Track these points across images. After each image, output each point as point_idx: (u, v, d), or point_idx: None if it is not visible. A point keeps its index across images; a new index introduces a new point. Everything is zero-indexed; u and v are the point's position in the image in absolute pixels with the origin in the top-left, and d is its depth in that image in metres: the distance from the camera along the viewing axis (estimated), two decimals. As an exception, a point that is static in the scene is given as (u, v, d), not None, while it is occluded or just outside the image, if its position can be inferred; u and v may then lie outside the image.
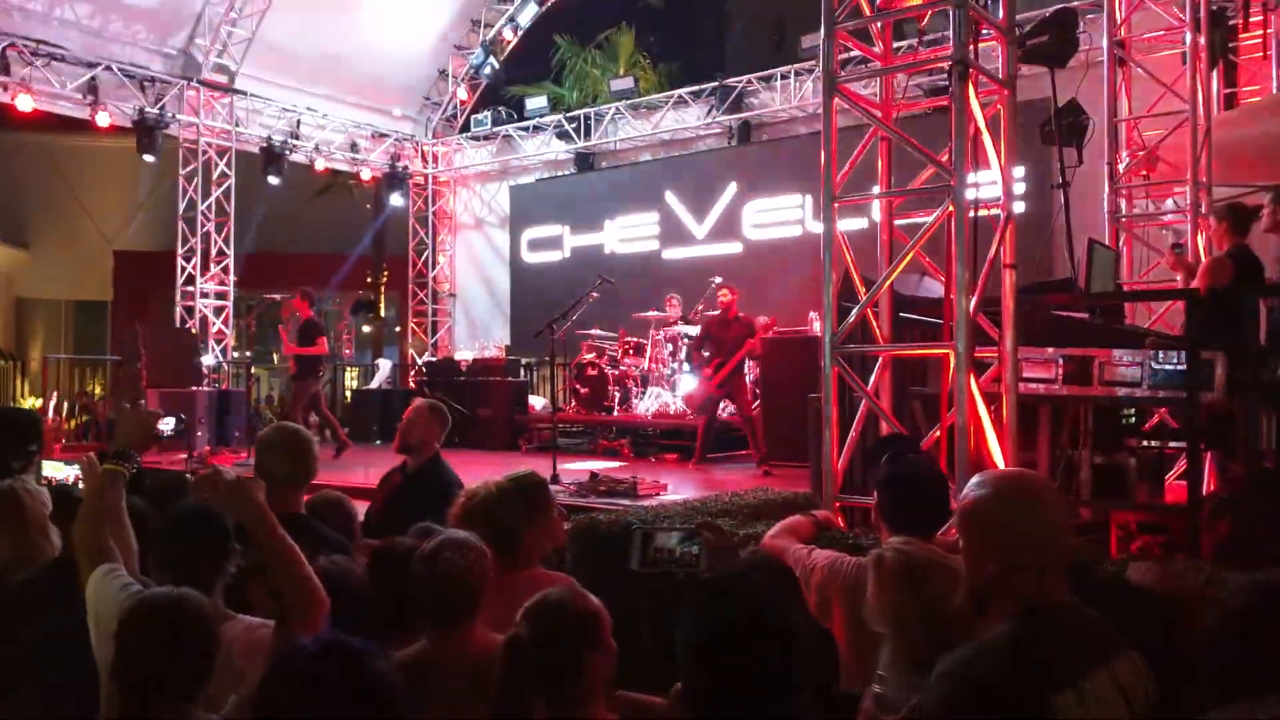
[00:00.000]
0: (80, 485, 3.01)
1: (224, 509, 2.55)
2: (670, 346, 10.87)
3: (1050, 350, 4.47)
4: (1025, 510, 2.01)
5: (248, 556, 2.55)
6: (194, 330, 12.93)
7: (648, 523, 3.67)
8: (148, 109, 12.32)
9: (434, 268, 16.17)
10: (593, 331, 11.46)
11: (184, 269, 13.27)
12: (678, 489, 7.51)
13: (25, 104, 11.40)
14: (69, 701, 2.46)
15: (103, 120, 12.14)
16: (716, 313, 9.45)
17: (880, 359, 4.29)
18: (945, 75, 5.94)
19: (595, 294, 9.72)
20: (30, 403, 16.09)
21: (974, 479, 2.13)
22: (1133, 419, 5.17)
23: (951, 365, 3.84)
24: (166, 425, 3.10)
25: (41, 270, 22.83)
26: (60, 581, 2.71)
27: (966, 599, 2.09)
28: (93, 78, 11.85)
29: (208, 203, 13.38)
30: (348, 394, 16.87)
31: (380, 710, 1.68)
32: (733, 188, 12.87)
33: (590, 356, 11.47)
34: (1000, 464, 4.03)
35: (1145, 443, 5.23)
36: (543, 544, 3.25)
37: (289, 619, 2.30)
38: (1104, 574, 3.25)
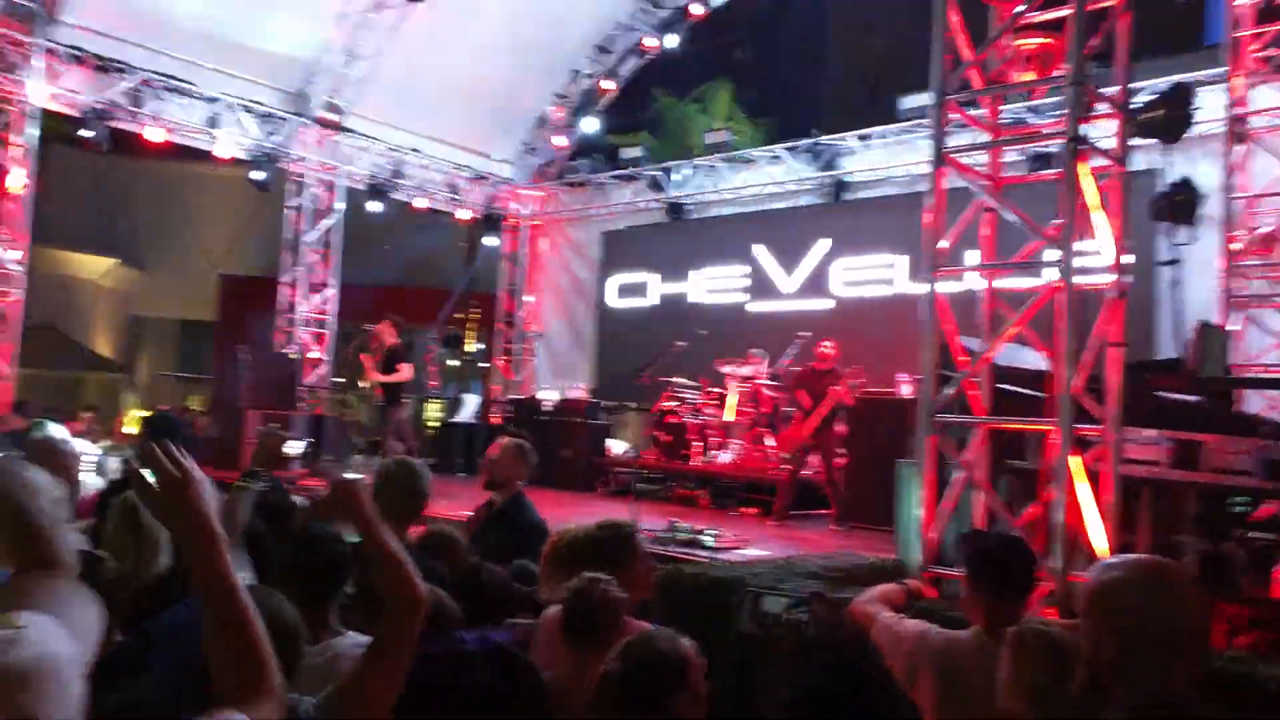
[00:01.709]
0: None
1: (332, 510, 2.54)
2: (753, 400, 10.86)
3: (1154, 432, 4.36)
4: (1157, 598, 1.94)
5: (360, 581, 2.63)
6: (293, 356, 13.36)
7: (758, 585, 3.66)
8: (262, 143, 12.88)
9: (521, 307, 16.46)
10: (675, 380, 11.50)
11: (286, 296, 13.77)
12: (757, 544, 7.46)
13: (155, 135, 12.05)
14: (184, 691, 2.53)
15: (221, 152, 12.74)
16: (815, 364, 9.54)
17: (978, 430, 4.24)
18: (1050, 145, 5.90)
19: (683, 344, 9.78)
20: (137, 415, 16.79)
21: (1106, 560, 2.09)
22: (1239, 508, 4.99)
23: (1053, 442, 3.78)
24: (295, 448, 3.23)
25: (154, 290, 23.88)
26: (177, 586, 2.81)
27: (1083, 681, 2.05)
28: (214, 112, 12.45)
29: (312, 233, 13.89)
30: (430, 425, 17.22)
31: (534, 713, 1.70)
32: (824, 244, 12.85)
33: (672, 404, 11.50)
34: (1100, 545, 3.94)
35: (1250, 534, 5.04)
36: (630, 593, 3.28)
37: (394, 619, 2.30)
38: (1211, 669, 3.15)
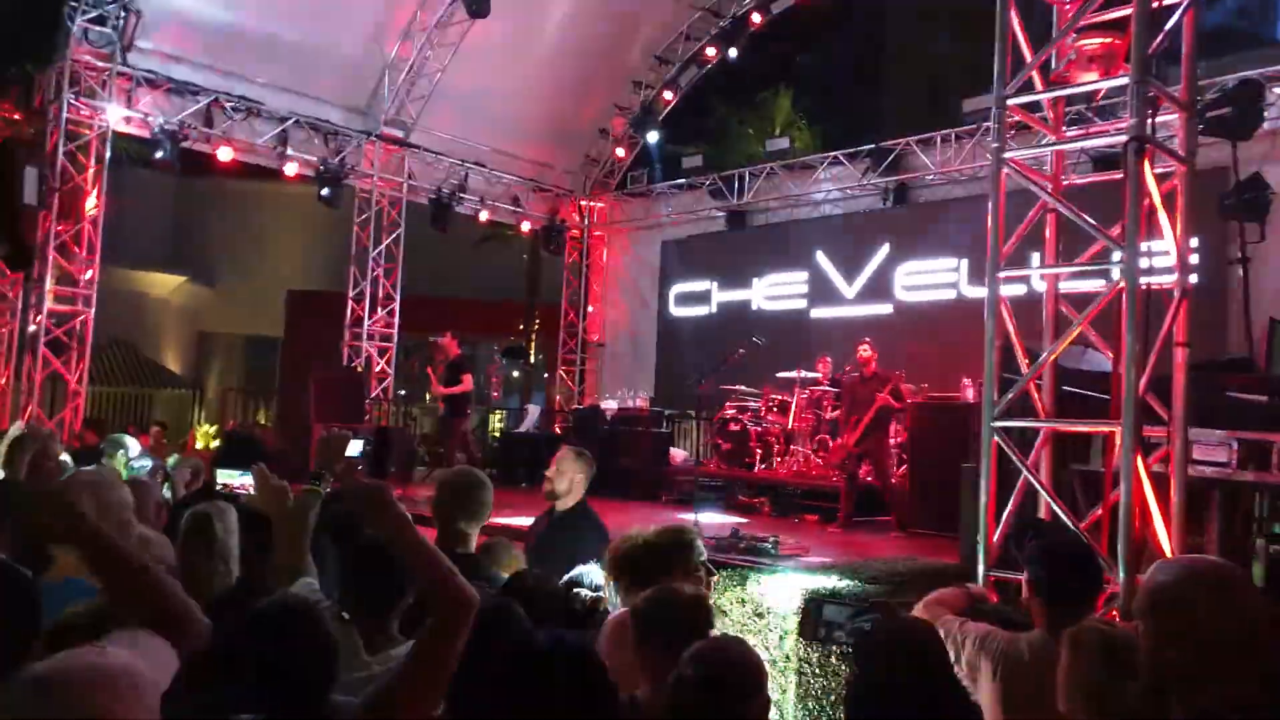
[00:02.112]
0: (252, 492, 3.17)
1: (360, 516, 2.51)
2: (815, 406, 10.82)
3: (1223, 432, 4.28)
4: (1214, 600, 1.93)
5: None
6: (359, 369, 13.66)
7: (820, 593, 3.67)
8: (330, 160, 13.21)
9: (584, 317, 16.60)
10: (737, 387, 11.51)
11: (353, 310, 14.10)
12: (819, 551, 7.42)
13: (225, 155, 12.46)
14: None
15: (290, 170, 13.11)
16: (855, 372, 9.44)
17: (1041, 433, 4.21)
18: (1113, 146, 5.81)
19: (744, 351, 9.77)
20: (207, 430, 17.29)
21: (1162, 562, 2.09)
22: (1312, 510, 4.86)
23: (1117, 444, 3.74)
24: (354, 448, 3.31)
25: (222, 306, 24.55)
26: (240, 605, 2.92)
27: (1144, 686, 2.03)
28: (283, 130, 12.82)
29: (379, 249, 14.21)
30: (494, 436, 17.42)
31: (605, 711, 1.75)
32: (885, 249, 12.77)
33: (733, 412, 11.51)
34: (1167, 548, 3.88)
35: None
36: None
37: (437, 617, 2.25)
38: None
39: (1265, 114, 6.35)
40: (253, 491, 2.99)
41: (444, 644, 2.15)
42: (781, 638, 3.73)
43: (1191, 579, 1.99)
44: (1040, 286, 7.88)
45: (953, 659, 3.12)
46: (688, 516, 7.29)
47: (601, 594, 3.47)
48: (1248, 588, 2.03)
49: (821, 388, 10.77)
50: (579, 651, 1.80)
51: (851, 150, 13.49)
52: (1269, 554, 4.48)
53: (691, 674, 2.24)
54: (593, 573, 3.76)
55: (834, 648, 2.91)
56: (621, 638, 2.98)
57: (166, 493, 5.55)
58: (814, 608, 2.89)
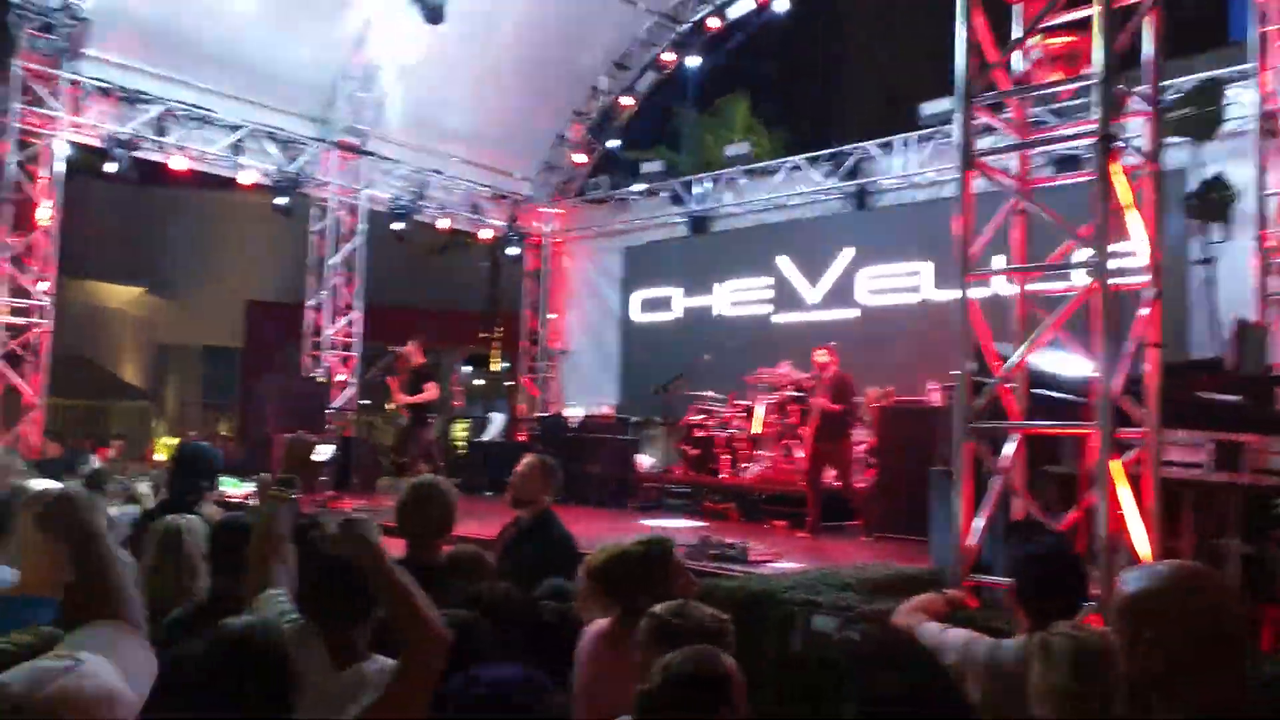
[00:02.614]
0: (252, 503, 3.13)
1: (340, 550, 2.51)
2: (780, 411, 10.79)
3: (1196, 434, 4.27)
4: (1193, 605, 1.91)
5: None
6: (319, 379, 13.43)
7: (806, 604, 3.60)
8: (285, 168, 12.99)
9: (545, 325, 16.48)
10: (702, 393, 11.46)
11: (312, 320, 13.86)
12: (789, 557, 7.38)
13: (180, 164, 12.20)
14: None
15: (245, 179, 12.87)
16: (814, 378, 9.47)
17: (1016, 436, 4.17)
18: (1075, 147, 5.83)
19: (709, 357, 9.70)
20: (167, 441, 16.93)
21: (1136, 569, 2.05)
22: (1280, 510, 4.88)
23: (1093, 445, 3.71)
24: (323, 453, 3.24)
25: (180, 317, 24.12)
26: (207, 621, 2.80)
27: (1127, 697, 1.99)
28: (238, 140, 12.58)
29: (336, 257, 13.99)
30: (457, 445, 17.21)
31: None
32: (848, 253, 12.79)
33: (699, 418, 11.45)
34: (1143, 550, 3.86)
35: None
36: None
37: (410, 656, 2.28)
38: (1261, 675, 3.07)
39: (1225, 114, 6.43)
40: (255, 503, 2.92)
41: (417, 682, 2.15)
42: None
43: (1164, 584, 1.97)
44: (1003, 289, 7.95)
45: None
46: (650, 523, 7.22)
47: (571, 605, 3.40)
48: (1222, 590, 2.01)
49: (787, 393, 10.75)
50: (524, 694, 1.74)
51: (811, 155, 13.52)
52: (1241, 555, 4.48)
53: (659, 685, 2.17)
54: (562, 584, 3.68)
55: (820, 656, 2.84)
56: (601, 648, 2.91)
57: (129, 507, 5.40)
58: (803, 619, 2.82)
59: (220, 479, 4.01)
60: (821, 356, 9.22)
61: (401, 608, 2.31)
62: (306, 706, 2.27)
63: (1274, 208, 7.57)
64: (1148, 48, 3.95)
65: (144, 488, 6.10)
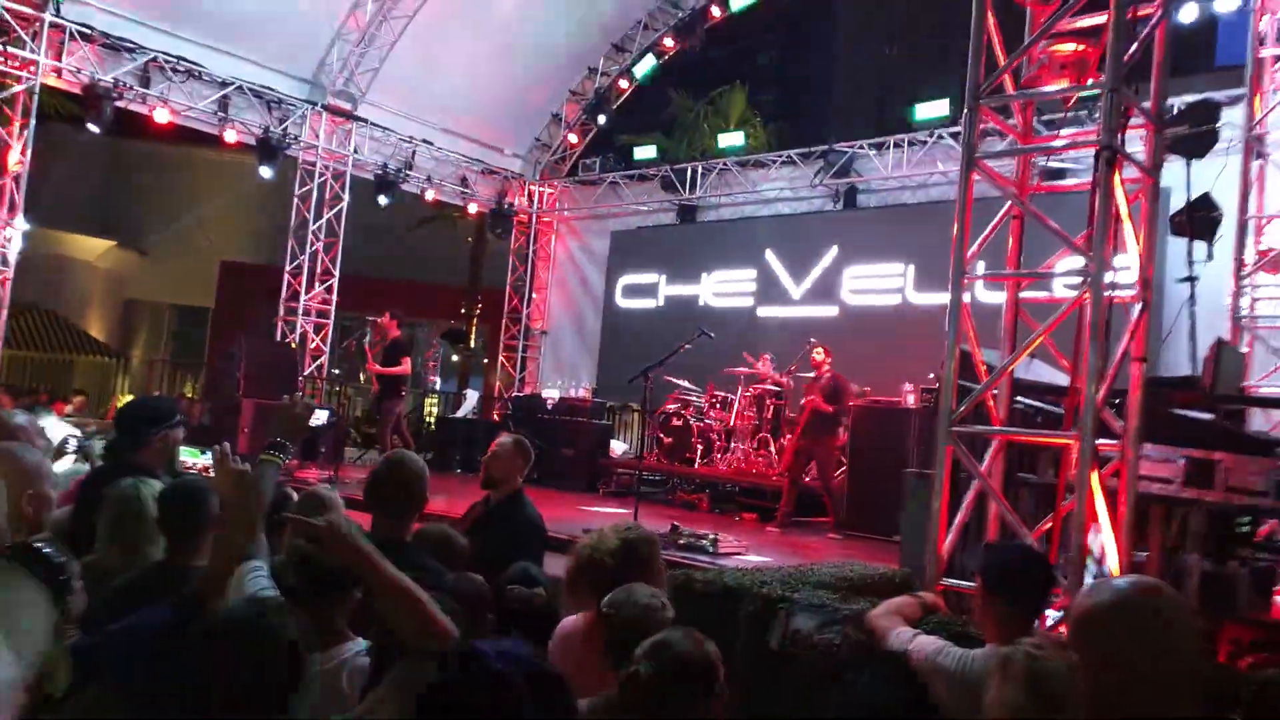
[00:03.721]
0: (210, 474, 3.01)
1: (328, 553, 2.38)
2: (757, 404, 10.80)
3: (1169, 449, 4.29)
4: (1146, 624, 1.92)
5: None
6: (293, 345, 13.27)
7: (788, 601, 3.56)
8: (273, 129, 12.78)
9: (528, 304, 16.39)
10: (681, 382, 11.43)
11: (290, 285, 13.68)
12: (757, 551, 7.39)
13: (162, 116, 11.97)
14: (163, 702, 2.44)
15: (230, 137, 12.65)
16: (810, 374, 9.57)
17: (994, 442, 4.17)
18: (1063, 158, 5.82)
19: (689, 345, 9.67)
20: (130, 399, 16.67)
21: (1092, 584, 2.05)
22: (1245, 528, 4.93)
23: (1073, 455, 3.71)
24: (319, 418, 3.14)
25: (151, 274, 23.78)
26: (161, 584, 2.72)
27: (1085, 710, 1.99)
28: (225, 95, 12.37)
29: (319, 223, 13.81)
30: (430, 420, 17.11)
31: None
32: (834, 251, 12.79)
33: (675, 407, 11.44)
34: (1114, 561, 3.87)
35: (1256, 555, 4.97)
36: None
37: (412, 655, 2.18)
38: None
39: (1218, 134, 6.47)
40: (211, 473, 2.82)
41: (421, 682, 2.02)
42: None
43: (1121, 602, 1.97)
44: (983, 296, 7.98)
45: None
46: (627, 510, 7.18)
47: (540, 591, 3.35)
48: (1179, 607, 2.01)
49: (764, 386, 10.76)
50: (542, 676, 1.69)
51: (804, 150, 13.50)
52: (1201, 570, 4.51)
53: (643, 671, 2.15)
54: (529, 568, 3.62)
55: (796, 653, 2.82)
56: (573, 644, 2.87)
57: (84, 465, 5.26)
58: (783, 617, 2.79)
59: (169, 425, 3.85)
60: (818, 355, 9.33)
61: (399, 607, 2.18)
62: None
63: (1253, 230, 7.64)
64: (1155, 60, 3.94)
65: (99, 447, 5.97)
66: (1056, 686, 2.37)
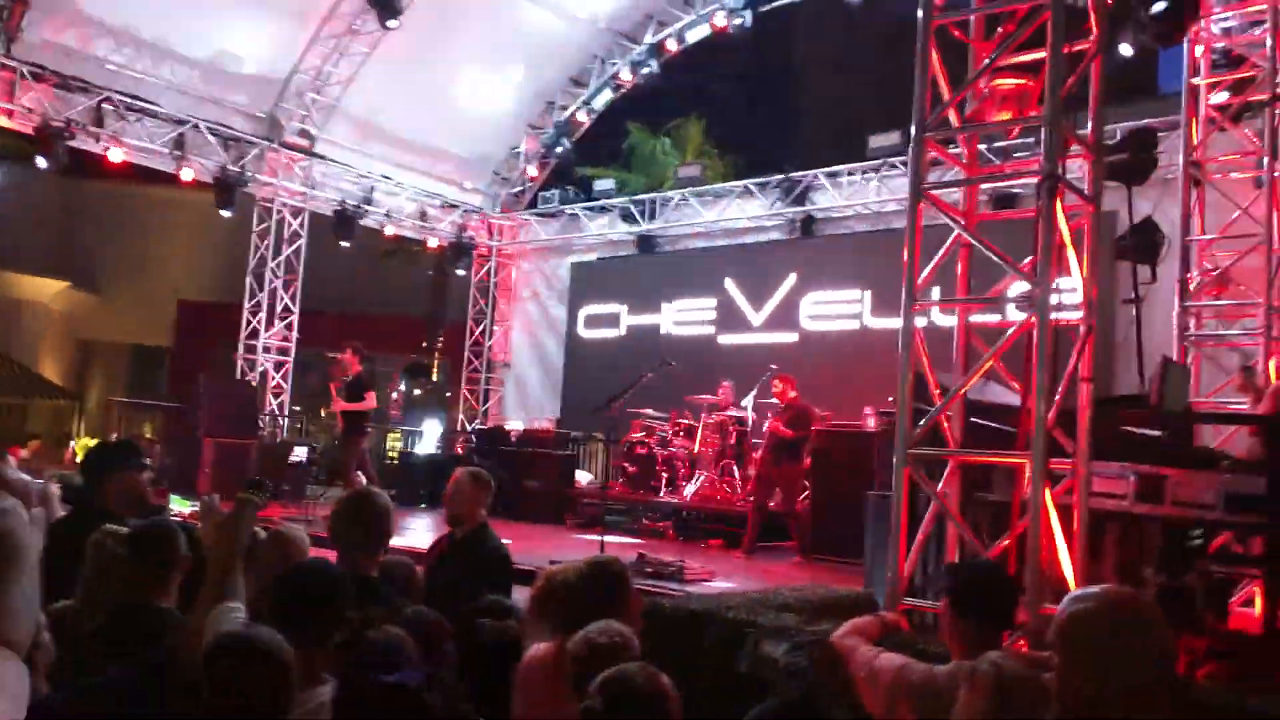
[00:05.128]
0: (199, 525, 3.01)
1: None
2: (720, 432, 10.87)
3: (1119, 466, 4.42)
4: (1128, 630, 1.97)
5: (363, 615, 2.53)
6: (254, 383, 13.16)
7: (756, 626, 3.59)
8: (230, 167, 12.73)
9: (490, 337, 16.38)
10: (644, 411, 11.48)
11: (249, 323, 13.59)
12: (724, 577, 7.44)
13: (116, 156, 11.89)
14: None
15: (187, 175, 12.56)
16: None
17: (950, 463, 4.27)
18: (1013, 185, 5.97)
19: (652, 374, 9.74)
20: (86, 443, 16.38)
21: (1073, 593, 2.11)
22: (1198, 541, 5.06)
23: (1026, 475, 3.81)
24: (298, 454, 3.16)
25: (106, 314, 23.41)
26: (131, 628, 2.71)
27: (1060, 716, 2.05)
28: (181, 134, 12.30)
29: (278, 260, 13.75)
30: (391, 456, 16.96)
31: None
32: (792, 278, 12.96)
33: (640, 435, 11.48)
34: (1070, 578, 3.97)
35: (1211, 567, 5.11)
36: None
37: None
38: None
39: (1158, 161, 6.71)
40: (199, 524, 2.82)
41: None
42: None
43: (1105, 609, 2.02)
44: (940, 320, 8.14)
45: (869, 691, 3.12)
46: (594, 541, 7.18)
47: (512, 623, 3.36)
48: (1157, 619, 2.07)
49: (727, 413, 10.84)
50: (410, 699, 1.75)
51: (761, 180, 13.70)
52: (1158, 584, 4.63)
53: (598, 705, 2.17)
54: (499, 600, 3.63)
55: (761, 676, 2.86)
56: (538, 675, 2.86)
57: (37, 511, 5.20)
58: (751, 641, 2.84)
59: (130, 467, 3.85)
60: (776, 386, 9.48)
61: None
62: None
63: (1195, 253, 7.90)
64: (1091, 93, 4.10)
65: (54, 490, 5.90)
66: (1022, 696, 2.44)
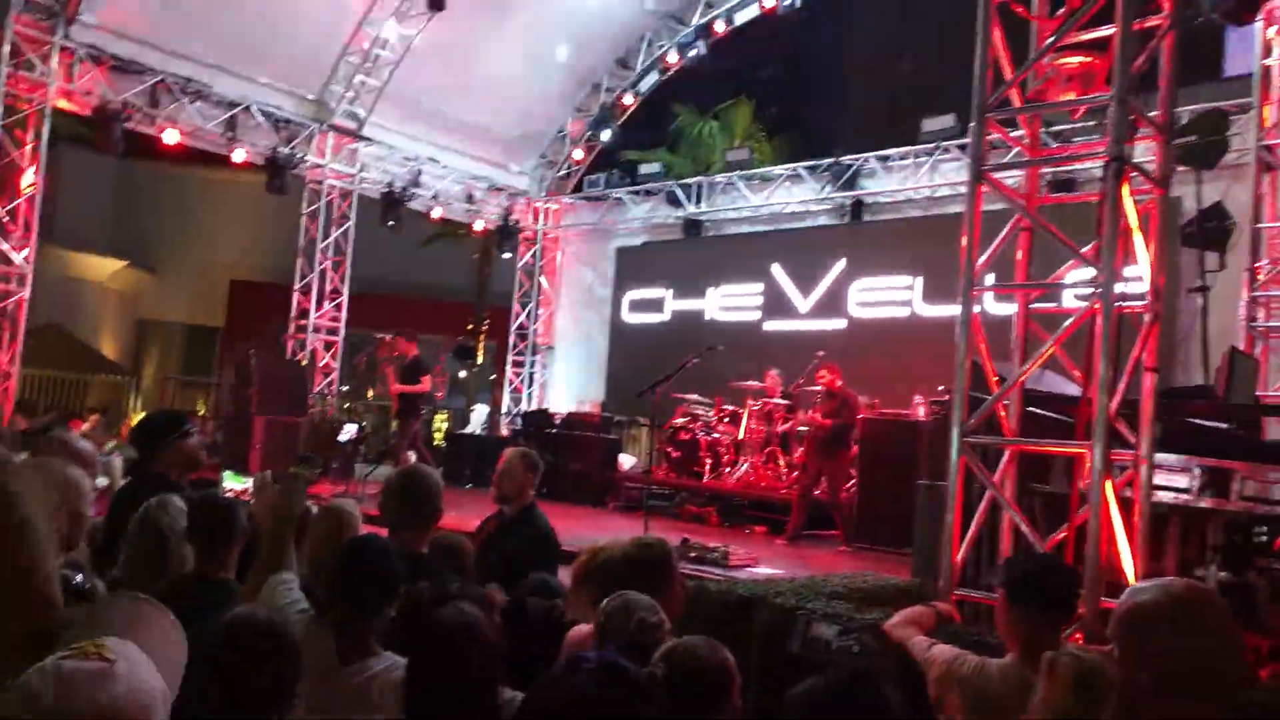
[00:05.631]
0: (252, 501, 3.05)
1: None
2: (766, 419, 10.79)
3: (1185, 459, 4.28)
4: (1190, 622, 1.91)
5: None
6: (304, 363, 13.32)
7: (811, 610, 3.55)
8: (280, 149, 12.84)
9: (535, 320, 16.41)
10: (689, 396, 11.43)
11: (299, 303, 13.74)
12: (768, 563, 7.38)
13: (171, 137, 12.05)
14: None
15: (238, 157, 12.71)
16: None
17: (1006, 453, 4.16)
18: (1071, 170, 5.82)
19: (697, 360, 9.66)
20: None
21: (1140, 584, 2.04)
22: (1264, 537, 4.91)
23: (1086, 465, 3.70)
24: (347, 433, 3.18)
25: (163, 293, 23.85)
26: (191, 597, 2.73)
27: (1117, 708, 1.99)
28: (233, 116, 12.44)
29: (327, 241, 13.88)
30: (437, 436, 17.11)
31: None
32: (841, 264, 12.80)
33: (684, 421, 11.43)
34: (1130, 573, 3.86)
35: (1275, 564, 4.95)
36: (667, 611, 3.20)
37: None
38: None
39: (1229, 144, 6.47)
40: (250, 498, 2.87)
41: None
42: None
43: (1169, 601, 1.96)
44: (993, 308, 7.97)
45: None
46: (637, 524, 7.18)
47: (557, 602, 3.35)
48: (1222, 612, 2.00)
49: (773, 400, 10.75)
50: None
51: (811, 164, 13.51)
52: (1220, 582, 4.49)
53: (662, 673, 2.15)
54: (547, 579, 3.63)
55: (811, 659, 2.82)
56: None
57: (103, 480, 5.34)
58: (803, 623, 2.80)
59: (180, 433, 3.90)
60: (823, 375, 9.36)
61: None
62: (311, 700, 2.22)
63: (1266, 240, 7.63)
64: (1163, 71, 3.95)
65: (118, 463, 6.06)
66: (1101, 684, 2.37)
